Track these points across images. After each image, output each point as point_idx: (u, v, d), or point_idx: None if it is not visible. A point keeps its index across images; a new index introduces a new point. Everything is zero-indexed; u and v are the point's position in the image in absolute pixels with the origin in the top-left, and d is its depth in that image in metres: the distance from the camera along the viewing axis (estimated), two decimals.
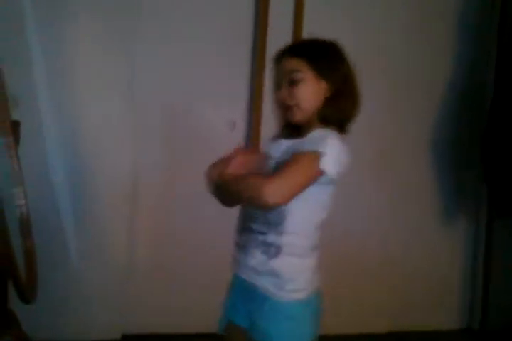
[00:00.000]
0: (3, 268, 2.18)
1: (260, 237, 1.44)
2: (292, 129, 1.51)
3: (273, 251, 1.43)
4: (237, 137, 2.87)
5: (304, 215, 1.43)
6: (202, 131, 2.82)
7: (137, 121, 2.70)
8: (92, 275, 2.64)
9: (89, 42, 2.61)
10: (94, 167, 2.64)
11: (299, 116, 1.47)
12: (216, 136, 2.83)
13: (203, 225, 2.83)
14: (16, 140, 2.06)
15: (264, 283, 1.44)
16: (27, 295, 1.92)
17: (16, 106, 2.16)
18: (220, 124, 2.84)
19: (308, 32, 2.83)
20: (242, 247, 1.49)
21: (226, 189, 1.42)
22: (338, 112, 1.46)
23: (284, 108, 1.48)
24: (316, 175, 1.36)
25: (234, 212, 2.92)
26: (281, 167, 1.38)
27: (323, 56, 1.47)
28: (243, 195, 1.36)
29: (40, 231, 1.99)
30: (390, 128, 3.03)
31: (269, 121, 2.78)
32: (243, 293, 1.52)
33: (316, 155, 1.35)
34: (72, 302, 2.59)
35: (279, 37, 2.83)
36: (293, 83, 1.45)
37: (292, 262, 1.44)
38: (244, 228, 1.49)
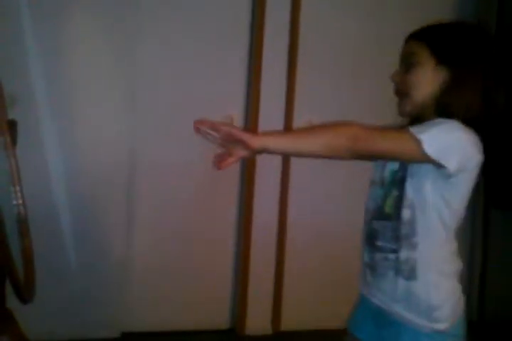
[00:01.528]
0: (1, 267, 2.18)
1: (391, 256, 1.26)
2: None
3: (408, 270, 1.24)
4: None
5: (439, 222, 1.23)
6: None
7: (135, 118, 2.69)
8: (91, 274, 2.64)
9: (88, 41, 2.61)
10: (92, 166, 2.64)
11: (409, 107, 1.28)
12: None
13: (201, 222, 2.84)
14: (13, 139, 2.05)
15: (401, 311, 1.26)
16: (25, 295, 1.91)
17: (13, 105, 2.14)
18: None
19: (305, 28, 2.84)
20: (370, 268, 1.31)
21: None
22: (460, 102, 1.23)
23: (398, 96, 1.31)
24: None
25: (231, 205, 2.94)
26: (395, 175, 1.25)
27: (445, 38, 1.28)
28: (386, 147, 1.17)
29: (37, 231, 1.98)
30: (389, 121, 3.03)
31: (267, 116, 2.84)
32: (376, 318, 1.33)
33: (416, 139, 1.15)
34: (71, 301, 2.59)
35: (276, 33, 2.83)
36: (408, 68, 1.29)
37: (433, 283, 1.25)
38: (370, 246, 1.31)
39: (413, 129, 1.17)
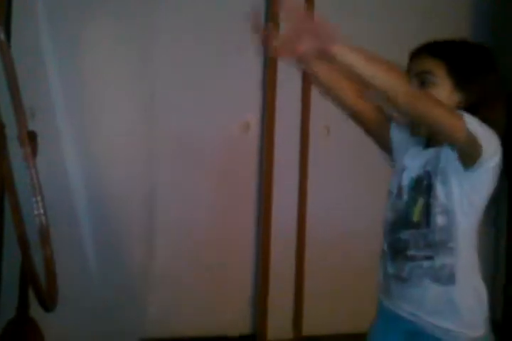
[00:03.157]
0: (24, 277, 2.22)
1: (426, 263, 1.23)
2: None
3: (446, 276, 1.22)
4: (251, 138, 2.88)
5: (470, 225, 1.24)
6: (215, 133, 2.83)
7: (154, 126, 2.72)
8: (111, 282, 2.66)
9: (106, 52, 2.63)
10: (111, 174, 2.66)
11: (422, 130, 1.25)
12: (230, 137, 2.85)
13: (222, 224, 2.85)
14: (34, 151, 2.10)
15: (437, 321, 1.23)
16: (47, 303, 1.95)
17: (33, 117, 2.19)
18: (234, 126, 2.86)
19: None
20: (398, 279, 1.27)
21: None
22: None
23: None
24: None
25: (250, 206, 2.92)
26: (418, 183, 1.24)
27: (466, 60, 1.24)
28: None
29: (59, 239, 2.02)
30: None
31: (284, 122, 2.85)
32: (402, 331, 1.30)
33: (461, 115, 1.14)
34: (91, 308, 2.61)
35: None
36: (423, 86, 1.23)
37: (472, 286, 1.25)
38: (399, 256, 1.27)
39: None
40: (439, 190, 1.21)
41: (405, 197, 1.27)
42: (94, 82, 2.64)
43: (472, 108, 1.20)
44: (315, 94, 2.85)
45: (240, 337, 2.89)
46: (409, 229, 1.25)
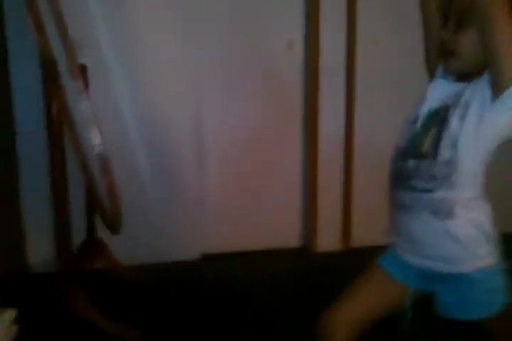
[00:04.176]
0: (91, 203, 2.38)
1: (425, 195, 1.25)
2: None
3: (446, 210, 1.24)
4: (295, 57, 2.86)
5: (476, 161, 1.23)
6: (260, 52, 2.82)
7: (198, 50, 2.71)
8: (170, 203, 2.81)
9: None
10: (162, 108, 2.72)
11: (458, 68, 1.25)
12: (274, 56, 2.83)
13: (270, 144, 2.92)
14: (86, 83, 2.16)
15: (441, 260, 1.27)
16: (114, 226, 2.10)
17: (80, 49, 2.21)
18: (279, 44, 2.83)
19: None
20: (404, 208, 1.29)
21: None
22: None
23: (444, 52, 1.25)
24: None
25: (296, 127, 2.94)
26: (434, 115, 1.24)
27: None
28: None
29: (116, 169, 2.12)
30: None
31: (328, 39, 2.79)
32: (414, 273, 1.34)
33: None
34: (153, 227, 2.79)
35: None
36: (461, 25, 1.21)
37: (472, 221, 1.25)
38: (403, 185, 1.29)
39: None
40: (454, 123, 1.21)
41: (419, 126, 1.28)
42: (140, 15, 2.63)
43: None
44: (361, 4, 2.78)
45: (292, 249, 3.05)
46: (416, 158, 1.26)
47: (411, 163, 1.26)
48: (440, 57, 1.27)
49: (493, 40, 1.12)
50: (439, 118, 1.24)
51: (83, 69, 2.18)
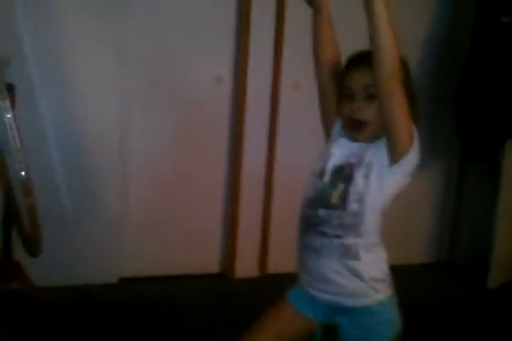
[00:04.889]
0: (8, 223, 2.33)
1: (336, 240, 1.38)
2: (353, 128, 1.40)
3: (353, 253, 1.38)
4: (223, 91, 2.96)
5: (377, 212, 1.39)
6: (188, 86, 2.90)
7: (125, 77, 2.75)
8: (88, 224, 2.79)
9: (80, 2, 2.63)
10: (86, 123, 2.72)
11: (366, 136, 1.39)
12: (202, 90, 2.91)
13: (193, 172, 2.97)
14: (12, 103, 2.14)
15: (345, 296, 1.40)
16: (33, 249, 2.08)
17: (7, 66, 2.20)
18: (207, 79, 2.92)
19: None
20: (313, 250, 1.41)
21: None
22: (407, 126, 1.33)
23: (352, 122, 1.39)
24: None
25: (221, 150, 2.97)
26: (340, 171, 1.38)
27: (404, 73, 1.34)
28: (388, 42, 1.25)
29: (37, 189, 2.10)
30: None
31: (256, 75, 2.91)
32: (320, 305, 1.46)
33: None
34: (70, 250, 2.75)
35: None
36: (369, 98, 1.35)
37: (373, 262, 1.41)
38: (314, 231, 1.40)
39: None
40: (359, 181, 1.36)
41: (327, 180, 1.40)
42: (65, 30, 2.64)
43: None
44: (286, 49, 2.93)
45: (210, 275, 3.09)
46: (326, 208, 1.38)
47: (321, 212, 1.39)
48: (347, 126, 1.41)
49: (392, 114, 1.29)
50: (344, 174, 1.38)
51: (10, 89, 2.17)
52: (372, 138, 1.39)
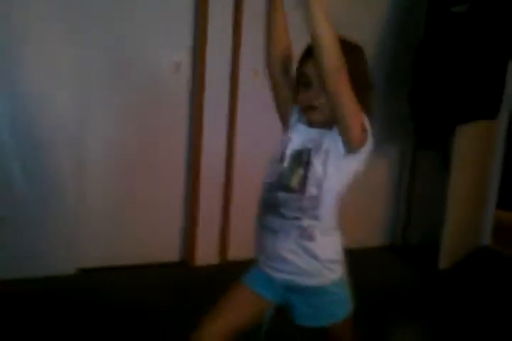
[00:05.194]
0: None
1: (294, 222, 1.43)
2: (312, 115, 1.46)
3: (308, 234, 1.43)
4: (181, 79, 2.94)
5: (334, 197, 1.44)
6: (146, 74, 2.88)
7: (83, 66, 2.72)
8: (45, 216, 2.75)
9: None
10: (41, 117, 2.68)
11: (320, 118, 1.44)
12: (161, 78, 2.89)
13: (153, 160, 2.96)
14: None
15: (301, 268, 1.45)
16: None
17: None
18: (165, 66, 2.90)
19: None
20: (271, 231, 1.46)
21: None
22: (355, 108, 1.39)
23: (308, 107, 1.45)
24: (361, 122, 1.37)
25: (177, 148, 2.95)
26: (299, 156, 1.42)
27: (356, 61, 1.42)
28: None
29: None
30: None
31: (214, 62, 2.91)
32: (277, 286, 1.51)
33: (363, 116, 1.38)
34: (28, 240, 2.71)
35: None
36: (308, 88, 1.42)
37: (328, 243, 1.46)
38: (273, 213, 1.46)
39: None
40: (317, 166, 1.41)
41: (286, 164, 1.45)
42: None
43: (357, 94, 1.37)
44: (244, 36, 2.93)
45: (170, 264, 3.10)
46: (285, 192, 1.44)
47: (281, 195, 1.44)
48: (304, 111, 1.46)
49: (339, 108, 1.33)
50: (303, 160, 1.43)
51: None
52: (328, 124, 1.43)
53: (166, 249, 3.11)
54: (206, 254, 3.11)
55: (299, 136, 1.47)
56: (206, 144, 3.00)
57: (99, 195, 2.90)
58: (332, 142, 1.41)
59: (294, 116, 1.53)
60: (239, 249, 3.15)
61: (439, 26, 3.06)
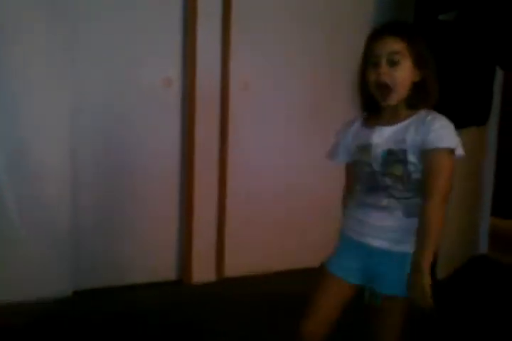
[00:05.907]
0: None
1: (403, 201, 1.55)
2: (373, 114, 1.61)
3: (415, 211, 1.53)
4: (173, 94, 2.94)
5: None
6: (139, 89, 2.87)
7: (73, 85, 2.71)
8: (38, 239, 2.71)
9: (25, 20, 2.57)
10: (32, 142, 2.67)
11: (394, 100, 1.53)
12: (152, 93, 2.89)
13: (146, 179, 2.95)
14: None
15: (395, 242, 1.55)
16: None
17: None
18: (156, 81, 2.89)
19: None
20: (376, 208, 1.57)
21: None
22: (426, 98, 1.55)
23: (382, 88, 1.53)
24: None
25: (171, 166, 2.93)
26: (392, 155, 1.52)
27: (421, 43, 1.55)
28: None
29: None
30: (322, 74, 3.20)
31: (205, 78, 2.90)
32: (362, 256, 1.61)
33: (451, 153, 1.49)
34: (22, 263, 2.66)
35: None
36: (393, 64, 1.51)
37: (416, 222, 1.54)
38: (383, 192, 1.56)
39: (441, 143, 1.48)
40: (413, 161, 1.52)
41: (381, 166, 1.55)
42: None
43: (423, 81, 1.53)
44: (234, 50, 2.94)
45: (167, 282, 3.06)
46: (392, 179, 1.54)
47: (388, 181, 1.55)
48: (376, 92, 1.54)
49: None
50: (399, 155, 1.52)
51: None
52: (401, 102, 1.53)
53: (161, 267, 3.06)
54: (203, 272, 3.07)
55: (383, 138, 1.55)
56: (199, 160, 2.97)
57: (91, 215, 2.86)
58: (412, 140, 1.50)
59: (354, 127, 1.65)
60: (236, 266, 3.13)
61: (427, 34, 3.07)
